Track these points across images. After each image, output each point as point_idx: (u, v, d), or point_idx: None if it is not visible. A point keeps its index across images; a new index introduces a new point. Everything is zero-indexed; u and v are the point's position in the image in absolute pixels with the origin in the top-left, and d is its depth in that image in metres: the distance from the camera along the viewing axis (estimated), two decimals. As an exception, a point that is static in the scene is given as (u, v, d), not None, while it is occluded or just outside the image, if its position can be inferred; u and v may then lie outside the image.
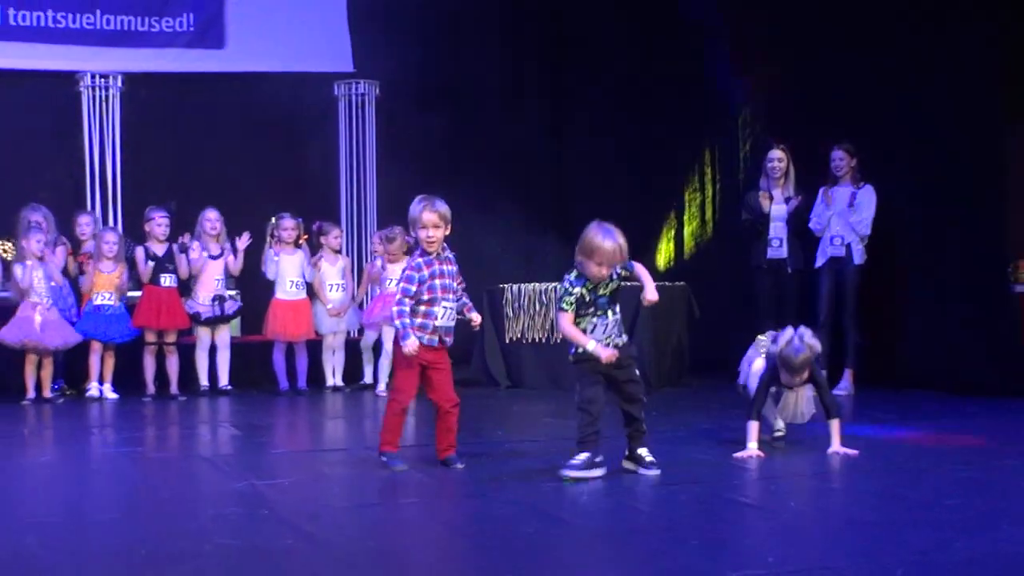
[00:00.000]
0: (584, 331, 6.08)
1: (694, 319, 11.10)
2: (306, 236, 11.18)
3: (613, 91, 13.82)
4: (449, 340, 6.50)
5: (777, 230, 10.33)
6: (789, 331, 6.58)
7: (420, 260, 6.50)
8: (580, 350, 6.08)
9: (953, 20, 9.85)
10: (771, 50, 11.49)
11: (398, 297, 6.44)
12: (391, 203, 13.16)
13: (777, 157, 10.34)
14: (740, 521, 5.16)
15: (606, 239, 5.96)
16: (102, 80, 12.63)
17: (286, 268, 10.89)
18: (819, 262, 10.19)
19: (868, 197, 9.98)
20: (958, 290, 9.85)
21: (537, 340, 10.99)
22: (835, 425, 6.65)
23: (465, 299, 6.67)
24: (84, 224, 11.00)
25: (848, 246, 10.01)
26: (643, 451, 6.21)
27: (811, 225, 10.20)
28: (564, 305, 6.10)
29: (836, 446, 6.57)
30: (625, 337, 6.24)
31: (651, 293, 6.19)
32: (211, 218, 10.80)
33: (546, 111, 15.06)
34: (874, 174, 10.02)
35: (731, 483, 5.96)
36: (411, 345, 6.29)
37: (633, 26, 13.42)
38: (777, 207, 10.30)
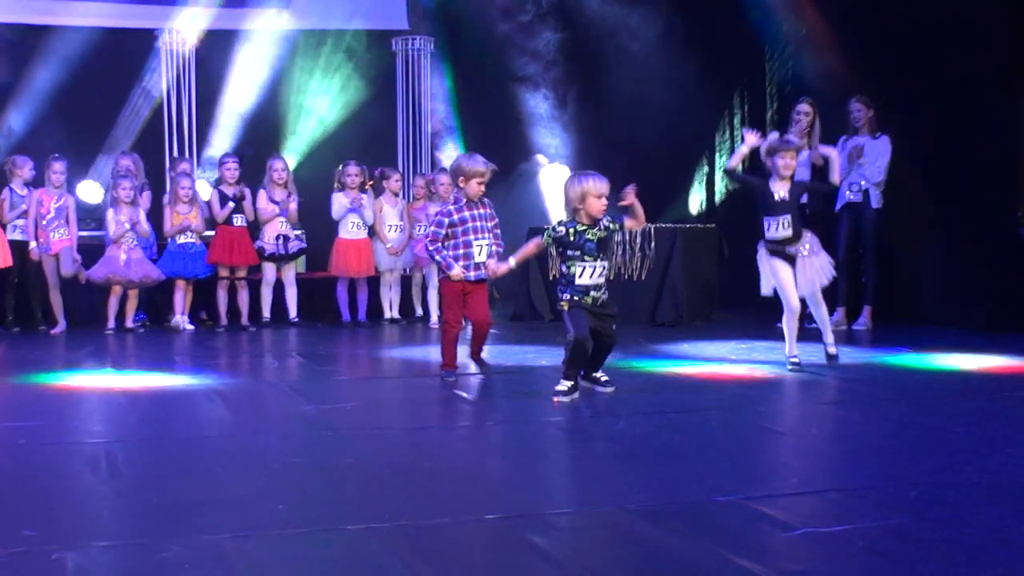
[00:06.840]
0: (574, 275, 6.15)
1: (723, 259, 11.05)
2: (371, 182, 11.12)
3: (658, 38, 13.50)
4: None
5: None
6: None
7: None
8: (571, 297, 6.18)
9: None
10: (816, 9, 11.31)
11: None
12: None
13: (804, 110, 10.19)
14: (765, 445, 5.14)
15: (591, 178, 6.18)
16: (179, 36, 12.64)
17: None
18: (838, 205, 10.08)
19: (883, 147, 9.85)
20: (971, 233, 9.72)
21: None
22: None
23: None
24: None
25: (866, 192, 9.90)
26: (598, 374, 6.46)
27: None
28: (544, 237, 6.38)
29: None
30: (607, 294, 6.30)
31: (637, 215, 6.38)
32: (278, 167, 10.79)
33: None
34: (893, 124, 9.87)
35: (756, 409, 5.95)
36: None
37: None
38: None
